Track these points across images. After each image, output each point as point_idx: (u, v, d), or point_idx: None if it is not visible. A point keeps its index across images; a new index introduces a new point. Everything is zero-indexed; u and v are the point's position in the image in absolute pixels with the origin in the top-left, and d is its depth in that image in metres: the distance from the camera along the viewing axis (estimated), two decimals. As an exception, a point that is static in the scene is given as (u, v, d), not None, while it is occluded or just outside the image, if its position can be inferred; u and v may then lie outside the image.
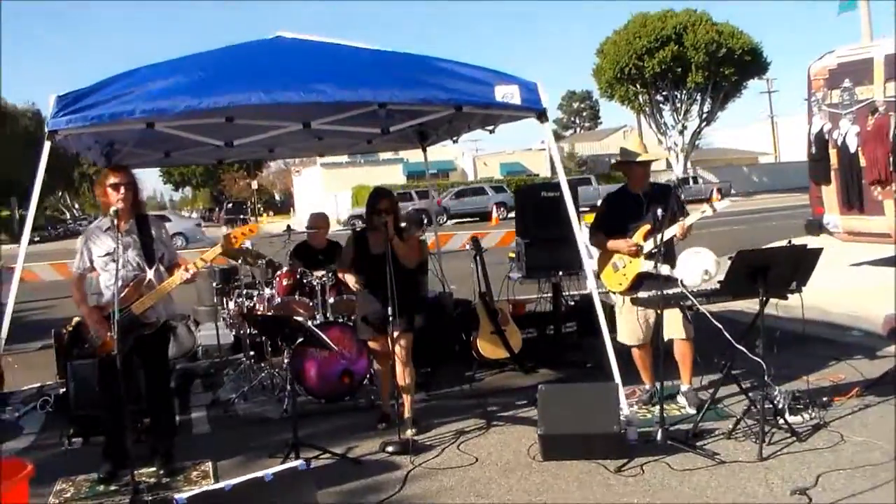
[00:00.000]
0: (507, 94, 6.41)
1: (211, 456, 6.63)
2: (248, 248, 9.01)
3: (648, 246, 6.74)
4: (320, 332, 6.50)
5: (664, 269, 6.18)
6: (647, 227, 6.77)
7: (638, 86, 52.16)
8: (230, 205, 68.46)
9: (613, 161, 7.63)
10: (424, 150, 10.78)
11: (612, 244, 6.99)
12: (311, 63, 6.60)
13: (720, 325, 6.05)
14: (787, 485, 5.21)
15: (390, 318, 6.54)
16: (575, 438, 5.84)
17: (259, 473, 4.71)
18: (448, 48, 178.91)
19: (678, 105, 53.46)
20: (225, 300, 9.71)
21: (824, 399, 6.84)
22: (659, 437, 5.97)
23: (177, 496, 4.45)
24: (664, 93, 53.37)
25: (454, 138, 9.46)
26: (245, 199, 76.05)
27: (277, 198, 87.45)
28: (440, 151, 67.13)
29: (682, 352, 6.93)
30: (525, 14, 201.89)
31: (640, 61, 49.74)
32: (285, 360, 7.18)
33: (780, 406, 6.39)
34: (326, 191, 59.20)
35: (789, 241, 6.20)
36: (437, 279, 10.33)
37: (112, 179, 6.18)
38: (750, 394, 6.40)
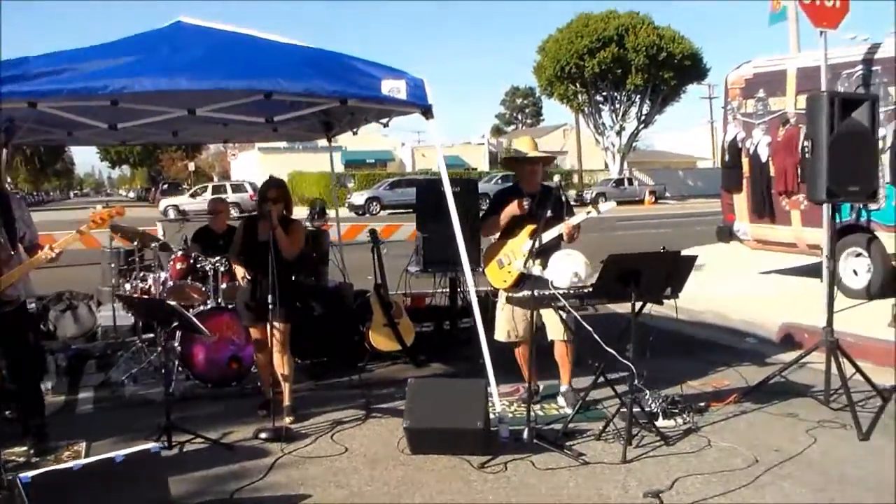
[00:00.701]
0: (392, 88, 6.46)
1: (89, 437, 6.60)
2: (142, 231, 8.99)
3: (528, 245, 6.83)
4: (192, 317, 6.50)
5: (535, 270, 6.27)
6: (533, 226, 6.84)
7: (578, 85, 52.41)
8: (166, 185, 67.67)
9: (503, 158, 7.74)
10: (329, 140, 10.80)
11: (505, 211, 7.10)
12: (205, 50, 6.58)
13: (591, 328, 6.18)
14: (643, 487, 5.30)
15: (269, 307, 6.60)
16: (440, 433, 5.89)
17: (110, 454, 4.75)
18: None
19: (617, 106, 53.84)
20: (123, 282, 9.67)
21: (701, 404, 6.99)
22: (525, 435, 6.06)
23: (21, 475, 4.47)
24: (604, 93, 53.71)
25: (354, 129, 9.49)
26: (182, 179, 75.24)
27: (215, 180, 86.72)
28: (379, 141, 67.22)
29: (560, 353, 7.03)
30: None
31: (581, 61, 49.97)
32: (161, 344, 7.15)
33: (654, 410, 6.55)
34: (263, 175, 58.77)
35: (663, 248, 6.30)
36: (339, 269, 10.44)
37: None
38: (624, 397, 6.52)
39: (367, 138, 61.00)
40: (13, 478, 4.56)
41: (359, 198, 46.87)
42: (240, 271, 7.35)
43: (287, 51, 6.79)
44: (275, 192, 6.93)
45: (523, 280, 6.84)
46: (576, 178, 61.54)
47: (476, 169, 61.53)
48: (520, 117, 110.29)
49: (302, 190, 47.55)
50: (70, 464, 4.79)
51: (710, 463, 5.76)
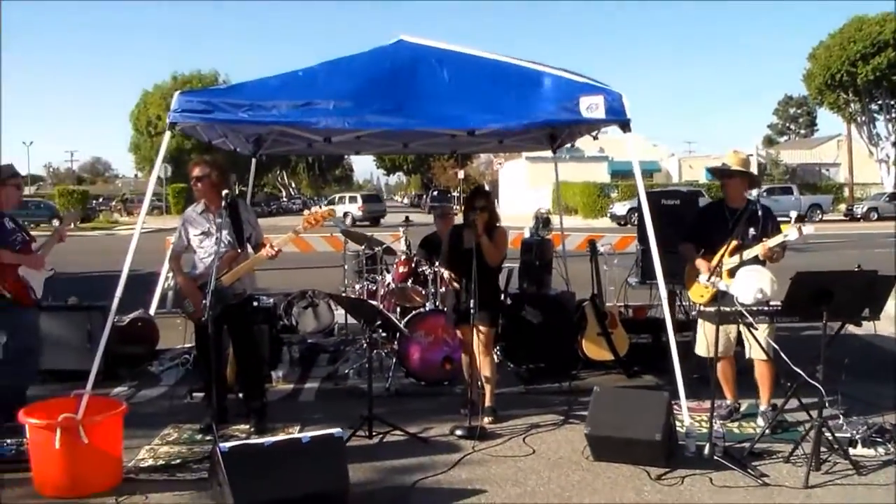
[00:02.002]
0: (591, 105, 6.64)
1: (305, 421, 7.20)
2: (369, 235, 9.58)
3: (732, 263, 6.76)
4: (393, 317, 6.94)
5: (721, 285, 6.23)
6: (735, 243, 6.77)
7: (850, 93, 49.67)
8: (435, 192, 70.03)
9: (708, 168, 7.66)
10: (554, 151, 11.03)
11: (698, 263, 7.05)
12: (435, 84, 7.13)
13: (777, 347, 6.07)
14: (818, 513, 5.15)
15: (472, 311, 6.91)
16: (619, 442, 6.00)
17: (297, 435, 5.24)
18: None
19: (893, 115, 50.58)
20: (354, 283, 10.32)
21: (914, 435, 6.63)
22: (707, 451, 6.05)
23: (221, 444, 5.04)
24: (878, 101, 50.60)
25: (571, 143, 9.71)
26: (452, 187, 77.54)
27: (486, 188, 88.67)
28: (647, 151, 66.54)
29: (761, 372, 6.92)
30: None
31: (854, 67, 47.36)
32: (366, 340, 7.60)
33: (854, 437, 6.33)
34: (530, 185, 59.72)
35: (858, 266, 6.08)
36: (561, 278, 10.65)
37: (193, 173, 7.05)
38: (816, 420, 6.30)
39: (634, 148, 60.38)
40: (214, 449, 5.11)
41: (621, 208, 46.68)
42: (447, 274, 7.67)
43: (507, 74, 7.14)
44: (480, 200, 7.23)
45: (723, 296, 6.77)
46: (846, 192, 58.24)
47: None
48: (792, 127, 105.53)
49: (566, 199, 47.88)
50: (262, 440, 5.31)
51: (901, 498, 5.51)
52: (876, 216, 46.70)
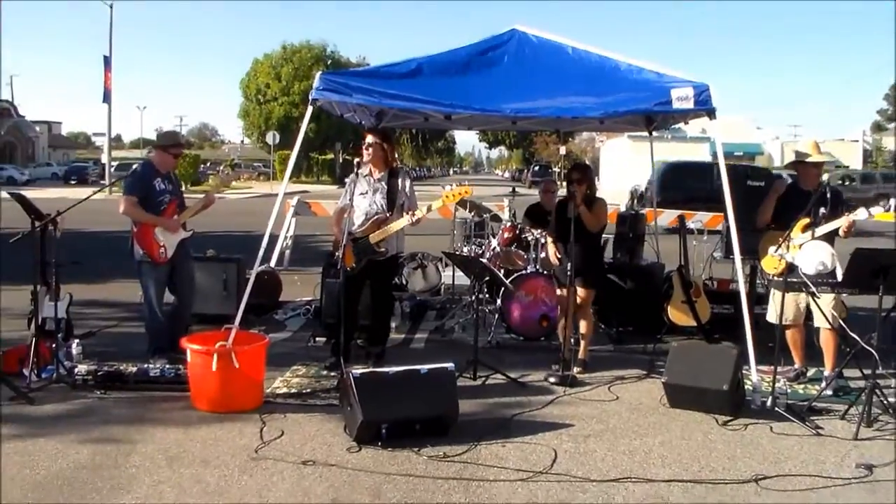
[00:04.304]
0: (681, 97, 7.48)
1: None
2: (480, 204, 10.57)
3: (803, 239, 7.50)
4: (499, 274, 7.91)
5: (788, 256, 7.02)
6: (806, 220, 7.51)
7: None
8: (537, 167, 70.59)
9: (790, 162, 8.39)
10: (650, 133, 11.80)
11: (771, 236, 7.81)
12: (544, 74, 8.07)
13: (835, 314, 6.82)
14: (862, 461, 5.91)
15: (568, 273, 7.82)
16: (692, 390, 6.86)
17: (417, 366, 6.26)
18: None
19: None
20: (463, 246, 11.30)
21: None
22: (769, 402, 6.87)
23: (353, 371, 6.10)
24: None
25: (666, 127, 10.49)
26: (553, 162, 77.89)
27: (586, 164, 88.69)
28: (751, 134, 66.01)
29: (825, 340, 7.66)
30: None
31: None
32: (474, 298, 8.53)
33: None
34: (631, 163, 59.90)
35: (915, 245, 6.82)
36: (652, 250, 11.49)
37: (366, 140, 8.14)
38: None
39: (738, 131, 60.47)
40: (348, 374, 6.15)
41: (713, 188, 46.54)
42: (552, 249, 8.54)
43: (605, 70, 8.07)
44: (577, 174, 8.16)
45: (791, 268, 7.52)
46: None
47: (847, 167, 58.74)
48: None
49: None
50: (387, 369, 6.34)
51: (942, 451, 6.21)
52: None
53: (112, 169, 54.58)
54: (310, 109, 8.03)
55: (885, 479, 5.62)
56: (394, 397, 6.05)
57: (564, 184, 8.39)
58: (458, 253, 10.09)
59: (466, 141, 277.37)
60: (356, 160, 8.34)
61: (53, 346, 7.53)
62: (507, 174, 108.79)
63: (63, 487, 5.14)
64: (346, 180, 8.39)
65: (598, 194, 8.37)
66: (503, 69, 8.07)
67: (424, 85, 7.85)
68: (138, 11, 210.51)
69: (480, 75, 8.00)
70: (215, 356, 6.61)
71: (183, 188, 8.57)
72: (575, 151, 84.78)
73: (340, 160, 69.60)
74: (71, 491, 5.09)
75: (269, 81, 74.40)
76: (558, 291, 8.46)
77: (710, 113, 7.77)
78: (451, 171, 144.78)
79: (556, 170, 67.14)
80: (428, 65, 8.04)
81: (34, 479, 5.27)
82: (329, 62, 76.60)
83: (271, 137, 58.57)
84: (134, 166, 8.86)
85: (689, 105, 7.64)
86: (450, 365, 6.44)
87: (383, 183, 8.06)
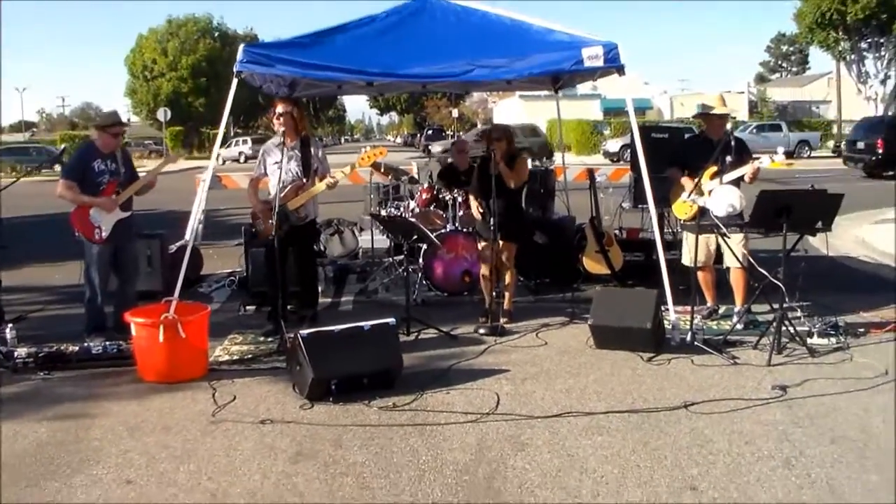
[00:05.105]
0: (591, 56, 7.87)
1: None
2: (396, 167, 10.83)
3: (712, 185, 7.99)
4: (427, 232, 8.23)
5: (700, 201, 7.52)
6: (714, 168, 8.00)
7: (840, 32, 50.36)
8: (430, 131, 70.85)
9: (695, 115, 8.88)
10: (556, 92, 12.21)
11: (683, 181, 8.28)
12: (459, 40, 8.36)
13: (745, 252, 7.37)
14: (776, 383, 6.45)
15: (490, 228, 8.17)
16: (617, 330, 7.33)
17: (360, 323, 6.54)
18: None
19: (882, 53, 51.35)
20: (380, 210, 11.56)
21: (860, 330, 7.95)
22: (689, 338, 7.39)
23: (301, 332, 6.35)
24: (868, 40, 51.33)
25: (572, 85, 10.90)
26: (446, 125, 78.35)
27: (479, 126, 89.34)
28: (639, 89, 67.37)
29: (735, 278, 8.21)
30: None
31: (843, 6, 47.85)
32: (404, 252, 8.83)
33: (810, 329, 7.64)
34: (524, 120, 60.78)
35: (811, 186, 7.34)
36: (563, 205, 11.94)
37: (277, 109, 8.31)
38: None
39: (626, 86, 61.32)
40: (296, 335, 6.39)
41: (613, 145, 47.73)
42: (475, 204, 8.87)
43: (517, 33, 8.41)
44: (497, 132, 8.52)
45: (703, 213, 8.01)
46: (835, 129, 59.17)
47: (734, 118, 60.47)
48: (784, 65, 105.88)
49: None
50: (332, 327, 6.61)
51: (842, 371, 6.81)
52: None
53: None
54: (234, 81, 8.14)
55: (798, 396, 6.18)
56: (341, 354, 6.33)
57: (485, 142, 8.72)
58: (384, 215, 10.35)
59: (356, 109, 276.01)
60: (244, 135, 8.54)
61: (-12, 331, 7.58)
62: (399, 140, 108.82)
63: (31, 465, 5.26)
64: (260, 150, 8.63)
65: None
66: (419, 35, 8.30)
67: (345, 54, 8.02)
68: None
69: (398, 42, 8.21)
70: (161, 327, 6.77)
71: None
72: (467, 113, 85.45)
73: (232, 133, 68.84)
74: (39, 468, 5.22)
75: (155, 57, 72.79)
76: (480, 245, 8.79)
77: (619, 69, 8.17)
78: (342, 140, 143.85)
79: (450, 132, 67.67)
80: (345, 34, 8.24)
81: (-2, 459, 5.38)
82: (216, 35, 75.41)
83: (162, 114, 57.57)
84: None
85: (600, 63, 8.02)
86: (391, 320, 6.74)
87: (297, 151, 8.28)
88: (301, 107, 8.63)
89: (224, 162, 53.37)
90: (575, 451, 5.25)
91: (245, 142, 61.73)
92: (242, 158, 56.62)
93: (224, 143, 59.93)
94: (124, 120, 8.72)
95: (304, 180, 8.23)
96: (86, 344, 7.53)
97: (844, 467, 4.96)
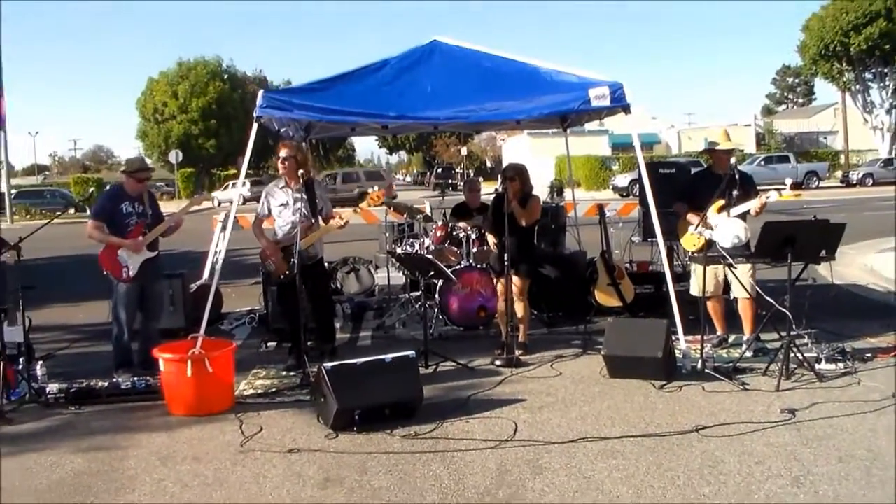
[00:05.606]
0: (598, 96, 8.19)
1: (367, 361, 8.76)
2: (410, 206, 11.13)
3: (718, 219, 8.24)
4: (444, 268, 8.49)
5: (706, 233, 7.79)
6: (721, 202, 8.27)
7: (844, 63, 50.72)
8: (440, 169, 71.29)
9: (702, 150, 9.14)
10: (565, 130, 12.51)
11: (690, 217, 8.52)
12: (470, 82, 8.71)
13: (752, 282, 7.61)
14: (785, 407, 6.68)
15: (505, 264, 8.43)
16: (629, 360, 7.55)
17: (382, 356, 6.79)
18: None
19: (887, 83, 51.70)
20: (395, 247, 11.84)
21: (868, 355, 8.15)
22: (699, 365, 7.60)
23: (324, 365, 6.60)
24: (872, 70, 51.70)
25: (581, 123, 11.23)
26: (454, 164, 78.84)
27: (488, 164, 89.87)
28: (647, 124, 67.78)
29: (743, 307, 8.42)
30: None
31: (847, 38, 48.34)
32: (421, 288, 9.12)
33: (818, 355, 7.85)
34: (533, 158, 61.12)
35: (814, 216, 7.59)
36: (574, 240, 12.20)
37: (281, 153, 8.67)
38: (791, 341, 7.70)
39: (634, 121, 61.63)
40: (320, 368, 6.65)
41: (623, 180, 48.12)
42: (491, 239, 9.14)
43: (525, 75, 8.72)
44: (510, 172, 8.75)
45: (710, 245, 8.26)
46: (843, 159, 59.42)
47: (742, 151, 60.84)
48: (790, 97, 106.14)
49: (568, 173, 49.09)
50: (355, 360, 6.85)
51: (849, 394, 7.03)
52: (871, 182, 47.74)
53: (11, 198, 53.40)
54: (255, 127, 8.46)
55: (806, 419, 6.39)
56: (364, 385, 6.58)
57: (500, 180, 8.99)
58: (401, 253, 10.62)
59: (365, 148, 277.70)
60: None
61: (19, 368, 7.84)
62: (408, 178, 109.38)
63: (70, 494, 5.52)
64: (263, 192, 8.94)
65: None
66: (430, 79, 8.64)
67: (361, 98, 8.39)
68: (27, 34, 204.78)
69: (412, 86, 8.57)
70: (189, 362, 7.04)
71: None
72: (476, 151, 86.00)
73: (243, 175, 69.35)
74: (77, 496, 5.47)
75: (166, 100, 73.47)
76: (495, 281, 9.05)
77: (626, 108, 8.49)
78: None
79: (459, 171, 68.10)
80: (360, 78, 8.59)
81: (39, 487, 5.65)
82: (226, 76, 76.21)
83: (174, 156, 58.17)
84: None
85: (606, 102, 8.34)
86: (411, 353, 7.00)
87: (302, 193, 8.56)
88: (304, 151, 8.95)
89: (220, 203, 53.50)
90: (591, 474, 5.48)
91: (244, 184, 61.98)
92: (241, 200, 56.51)
93: (227, 184, 60.87)
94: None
95: (313, 221, 8.54)
96: (115, 379, 7.81)
97: (851, 484, 5.18)
